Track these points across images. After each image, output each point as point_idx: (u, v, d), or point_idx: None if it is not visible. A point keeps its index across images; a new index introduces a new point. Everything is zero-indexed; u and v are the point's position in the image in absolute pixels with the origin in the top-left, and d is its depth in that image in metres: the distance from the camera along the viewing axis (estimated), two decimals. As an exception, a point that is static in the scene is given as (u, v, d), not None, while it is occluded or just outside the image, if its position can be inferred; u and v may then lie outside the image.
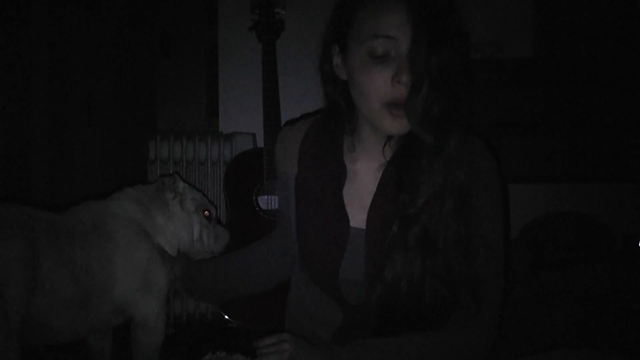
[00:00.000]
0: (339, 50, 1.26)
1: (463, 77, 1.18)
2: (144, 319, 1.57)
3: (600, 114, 2.30)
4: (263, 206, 2.27)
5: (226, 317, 2.11)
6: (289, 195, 1.39)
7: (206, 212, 1.78)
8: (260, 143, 2.40)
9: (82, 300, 1.47)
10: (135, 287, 1.55)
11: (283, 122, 2.28)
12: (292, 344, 1.17)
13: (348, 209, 1.30)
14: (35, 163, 2.26)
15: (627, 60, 2.34)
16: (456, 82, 1.16)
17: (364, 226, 1.28)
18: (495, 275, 1.23)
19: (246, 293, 1.63)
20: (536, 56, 2.56)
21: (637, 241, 2.36)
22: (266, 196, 2.28)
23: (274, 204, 2.26)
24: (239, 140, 2.57)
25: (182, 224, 1.72)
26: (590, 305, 2.05)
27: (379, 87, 1.17)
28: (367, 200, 1.28)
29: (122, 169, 2.61)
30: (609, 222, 2.44)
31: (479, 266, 1.20)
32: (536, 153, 2.31)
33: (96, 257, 1.50)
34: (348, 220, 1.29)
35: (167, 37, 3.25)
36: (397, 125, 1.18)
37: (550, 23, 2.55)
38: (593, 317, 2.00)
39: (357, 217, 1.29)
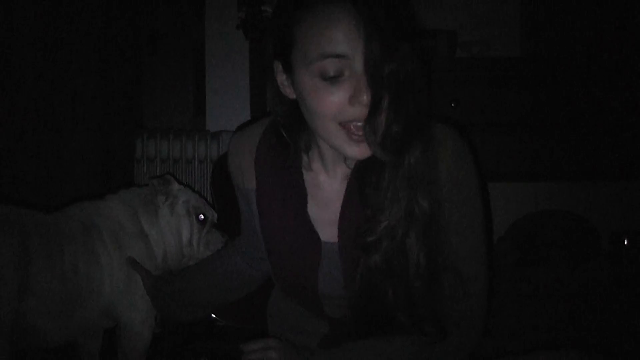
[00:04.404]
0: (282, 69, 1.11)
1: (423, 83, 1.05)
2: (128, 323, 1.56)
3: (586, 113, 2.31)
4: (250, 204, 2.27)
5: (213, 315, 2.10)
6: (252, 210, 1.30)
7: (200, 215, 1.73)
8: (248, 141, 2.39)
9: (71, 302, 1.46)
10: (120, 290, 1.54)
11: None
12: (279, 353, 1.14)
13: (317, 224, 1.21)
14: (22, 161, 2.25)
15: (614, 58, 2.35)
16: (417, 90, 1.04)
17: (336, 239, 1.19)
18: (466, 297, 1.13)
19: (215, 306, 1.61)
20: (523, 54, 2.57)
21: (622, 239, 2.38)
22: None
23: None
24: (226, 138, 2.56)
25: (169, 229, 1.68)
26: (576, 302, 2.06)
27: (335, 109, 1.04)
28: (335, 214, 1.19)
29: (108, 167, 2.59)
30: (595, 220, 2.46)
31: (450, 290, 1.12)
32: (523, 151, 2.31)
33: (84, 258, 1.49)
34: (318, 237, 1.21)
35: (154, 34, 3.23)
36: (359, 150, 1.06)
37: (537, 21, 2.56)
38: (579, 314, 2.01)
39: (328, 231, 1.20)
